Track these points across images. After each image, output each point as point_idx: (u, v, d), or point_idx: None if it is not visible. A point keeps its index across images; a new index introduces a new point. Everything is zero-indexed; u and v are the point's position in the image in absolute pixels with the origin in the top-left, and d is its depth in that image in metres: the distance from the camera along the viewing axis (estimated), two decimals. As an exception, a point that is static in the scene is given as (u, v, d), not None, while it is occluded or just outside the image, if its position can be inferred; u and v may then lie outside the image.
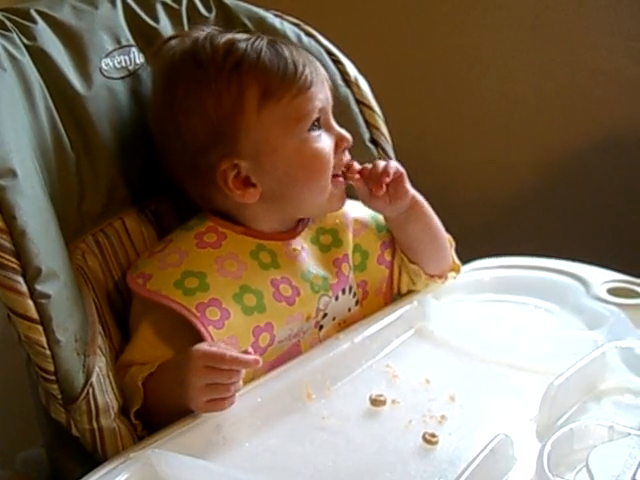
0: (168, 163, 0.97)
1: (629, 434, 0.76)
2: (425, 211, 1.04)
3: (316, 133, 0.94)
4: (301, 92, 0.93)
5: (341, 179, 0.97)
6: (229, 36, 0.94)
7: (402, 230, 1.04)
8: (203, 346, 0.84)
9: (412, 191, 1.01)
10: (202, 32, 0.96)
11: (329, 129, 0.96)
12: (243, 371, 0.82)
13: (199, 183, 0.96)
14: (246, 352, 0.83)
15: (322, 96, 0.95)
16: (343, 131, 0.98)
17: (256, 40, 0.94)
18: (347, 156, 0.99)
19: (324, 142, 0.95)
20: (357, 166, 0.99)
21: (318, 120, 0.95)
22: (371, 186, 0.97)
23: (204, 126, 0.92)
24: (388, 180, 0.97)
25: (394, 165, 0.99)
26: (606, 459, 0.72)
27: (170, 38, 0.99)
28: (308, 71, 0.94)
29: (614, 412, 0.85)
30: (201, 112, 0.92)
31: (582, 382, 0.87)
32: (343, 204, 1.01)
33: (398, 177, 0.98)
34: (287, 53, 0.94)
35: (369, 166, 0.99)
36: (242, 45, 0.93)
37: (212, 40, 0.94)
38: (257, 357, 0.83)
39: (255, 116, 0.91)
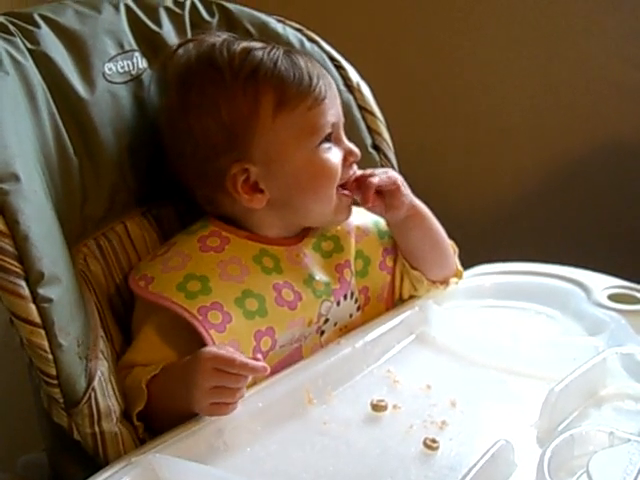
0: (177, 166, 0.98)
1: (629, 440, 0.76)
2: (425, 219, 1.04)
3: (326, 146, 0.95)
4: (316, 104, 0.93)
5: (347, 192, 0.98)
6: (245, 43, 0.95)
7: (403, 237, 1.05)
8: (213, 348, 0.84)
9: (411, 200, 1.01)
10: (219, 38, 0.97)
11: (339, 143, 0.97)
12: (249, 378, 0.83)
13: (207, 186, 0.96)
14: (255, 358, 0.83)
15: (334, 111, 0.96)
16: (352, 146, 0.98)
17: (272, 49, 0.95)
18: (354, 169, 0.99)
19: (333, 154, 0.96)
20: (357, 172, 0.99)
21: (330, 134, 0.95)
22: (359, 197, 0.98)
23: (217, 129, 0.92)
24: (370, 195, 0.96)
25: (388, 176, 0.98)
26: (606, 465, 0.73)
27: (185, 42, 0.99)
28: (322, 83, 0.95)
29: (614, 418, 0.85)
30: (215, 115, 0.92)
31: (583, 388, 0.87)
32: (349, 216, 1.01)
33: (395, 189, 0.98)
34: (302, 64, 0.95)
35: (368, 172, 0.99)
36: (259, 53, 0.94)
37: (229, 46, 0.95)
38: (266, 365, 0.83)
39: (269, 123, 0.92)
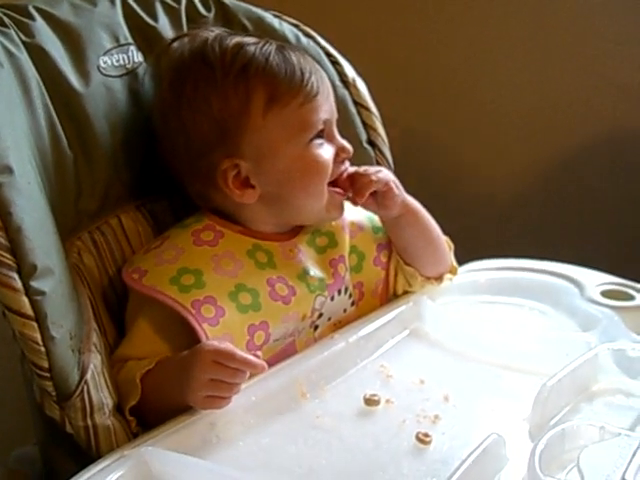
0: (170, 160, 0.98)
1: (620, 434, 0.76)
2: (418, 217, 1.03)
3: (318, 142, 0.95)
4: (307, 100, 0.93)
5: (339, 190, 0.98)
6: (238, 39, 0.95)
7: (396, 234, 1.05)
8: (214, 342, 0.85)
9: (403, 199, 1.01)
10: (212, 33, 0.97)
11: (331, 140, 0.97)
12: (247, 374, 0.83)
13: (199, 181, 0.96)
14: (255, 355, 0.83)
15: (327, 107, 0.96)
16: (345, 142, 0.98)
17: (265, 44, 0.95)
18: (345, 165, 0.99)
19: (325, 150, 0.95)
20: (350, 169, 0.99)
21: (322, 131, 0.95)
22: (353, 194, 0.98)
23: (208, 125, 0.92)
24: (365, 193, 0.97)
25: (380, 177, 0.98)
26: (597, 459, 0.73)
27: (179, 37, 0.99)
28: (314, 79, 0.94)
29: (606, 413, 0.86)
30: (206, 111, 0.92)
31: (575, 383, 0.88)
32: (341, 214, 1.01)
33: (387, 190, 0.98)
34: (295, 59, 0.94)
35: (361, 169, 0.99)
36: (251, 48, 0.93)
37: (221, 41, 0.94)
38: (264, 363, 0.83)
39: (260, 119, 0.92)
